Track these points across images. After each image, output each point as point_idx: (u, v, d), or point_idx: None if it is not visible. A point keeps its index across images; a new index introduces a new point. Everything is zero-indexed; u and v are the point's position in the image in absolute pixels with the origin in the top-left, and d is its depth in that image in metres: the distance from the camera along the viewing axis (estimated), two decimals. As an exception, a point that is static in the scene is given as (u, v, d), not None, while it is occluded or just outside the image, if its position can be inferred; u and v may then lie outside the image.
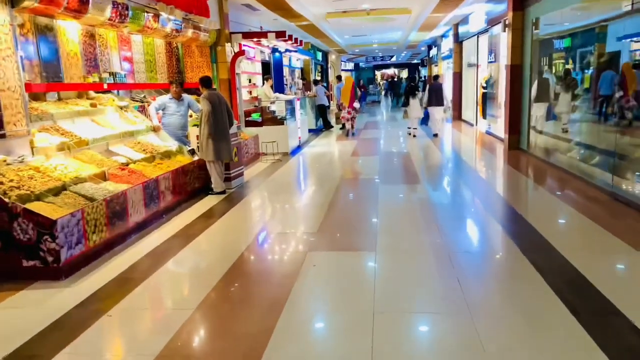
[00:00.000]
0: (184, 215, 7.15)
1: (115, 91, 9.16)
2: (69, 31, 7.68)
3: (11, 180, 5.01)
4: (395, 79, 43.47)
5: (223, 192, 8.38)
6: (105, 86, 8.49)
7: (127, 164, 6.86)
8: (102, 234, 5.42)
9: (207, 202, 7.88)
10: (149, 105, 9.14)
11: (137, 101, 9.46)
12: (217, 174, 8.27)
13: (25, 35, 6.74)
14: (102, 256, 5.38)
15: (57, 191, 5.36)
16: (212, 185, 8.34)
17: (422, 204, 7.33)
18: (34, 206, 4.86)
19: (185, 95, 9.31)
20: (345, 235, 6.05)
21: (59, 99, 7.64)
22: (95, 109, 7.74)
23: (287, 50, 17.58)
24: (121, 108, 8.44)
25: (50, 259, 4.74)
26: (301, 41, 16.95)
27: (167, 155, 8.08)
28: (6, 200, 4.71)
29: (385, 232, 5.98)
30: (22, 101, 5.63)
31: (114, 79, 8.68)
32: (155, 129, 8.66)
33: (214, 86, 12.33)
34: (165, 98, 9.05)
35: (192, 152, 8.63)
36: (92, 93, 8.26)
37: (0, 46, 5.32)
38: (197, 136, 8.57)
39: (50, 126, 6.45)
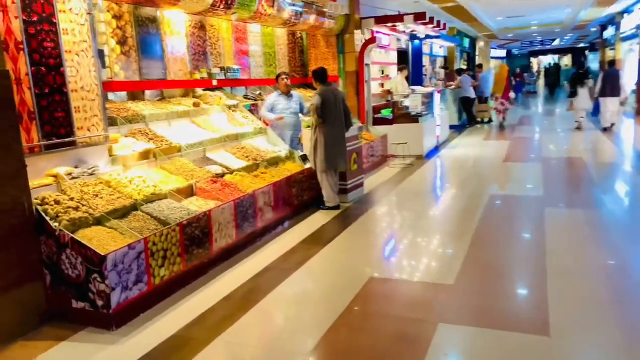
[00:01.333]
0: (285, 237, 5.91)
1: (228, 88, 8.31)
2: (175, 22, 6.89)
3: (71, 199, 4.18)
4: (551, 67, 37.76)
5: (337, 207, 7.00)
6: (214, 82, 7.65)
7: (222, 175, 5.82)
8: (174, 267, 4.37)
9: (316, 220, 6.56)
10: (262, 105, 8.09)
11: (250, 99, 8.51)
12: (330, 185, 6.91)
13: (123, 28, 6.03)
14: (171, 295, 4.33)
15: (126, 211, 4.44)
16: (324, 199, 7.01)
17: (615, 246, 5.09)
18: (87, 234, 3.94)
19: (294, 92, 8.11)
20: (496, 296, 4.11)
21: (162, 98, 6.91)
22: (197, 108, 6.87)
23: (427, 36, 15.60)
24: (230, 107, 7.50)
25: (99, 302, 3.78)
26: (444, 24, 14.82)
27: (275, 162, 6.93)
28: (54, 225, 3.85)
29: (561, 296, 4.00)
30: (100, 102, 4.81)
31: (225, 74, 7.79)
32: (276, 120, 7.60)
33: (334, 79, 11.14)
34: (273, 95, 7.94)
35: (305, 158, 7.38)
36: (199, 91, 7.45)
37: (73, 39, 4.52)
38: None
39: (139, 129, 5.65)
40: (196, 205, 4.99)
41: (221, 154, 6.47)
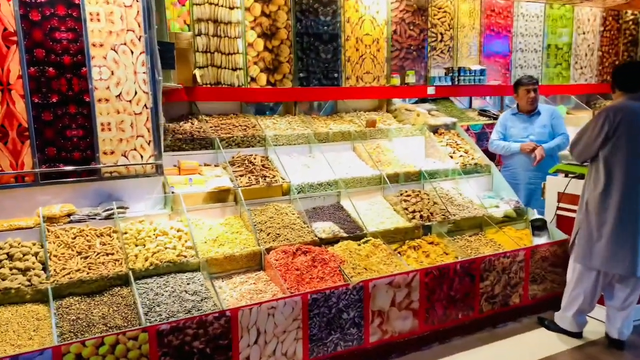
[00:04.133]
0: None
1: (462, 100, 5.69)
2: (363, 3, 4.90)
3: (35, 254, 2.92)
4: None
5: (578, 335, 3.56)
6: (430, 90, 5.26)
7: (332, 241, 3.54)
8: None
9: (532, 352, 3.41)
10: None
11: (488, 117, 5.58)
12: (583, 292, 3.48)
13: (274, 15, 4.50)
14: None
15: (105, 285, 2.89)
16: (557, 313, 3.66)
17: None
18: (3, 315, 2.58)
19: (544, 107, 4.71)
20: None
21: (335, 113, 5.05)
22: (371, 130, 4.67)
23: None
24: (438, 130, 4.96)
25: None
26: None
27: (478, 224, 4.08)
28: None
29: None
30: (151, 117, 3.41)
31: (456, 79, 5.29)
32: (531, 150, 4.61)
33: None
34: (505, 114, 4.82)
35: (540, 228, 4.12)
36: (399, 103, 5.21)
37: (111, 27, 3.24)
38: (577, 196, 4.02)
39: (243, 157, 3.98)
40: (238, 292, 2.99)
41: (372, 202, 4.13)
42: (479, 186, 4.72)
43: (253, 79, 4.49)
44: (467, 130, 5.18)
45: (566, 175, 4.07)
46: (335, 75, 4.88)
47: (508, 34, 5.89)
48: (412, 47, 5.28)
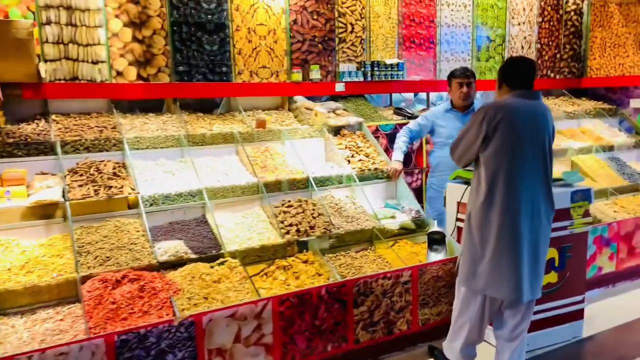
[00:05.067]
0: None
1: (378, 97, 5.20)
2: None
3: None
4: None
5: (464, 369, 3.08)
6: (339, 87, 4.76)
7: (178, 264, 3.01)
8: None
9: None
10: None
11: (404, 115, 5.07)
12: (469, 320, 2.98)
13: (145, 2, 3.96)
14: None
15: None
16: (444, 343, 3.17)
17: None
18: None
19: (480, 105, 4.22)
20: None
21: (228, 112, 4.51)
22: (259, 131, 4.15)
23: None
24: (339, 132, 4.46)
25: None
26: None
27: (368, 237, 3.59)
28: None
29: None
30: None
31: (369, 74, 4.82)
32: (391, 174, 4.19)
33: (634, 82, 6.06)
34: (437, 110, 4.31)
35: (436, 242, 3.62)
36: (301, 101, 4.71)
37: None
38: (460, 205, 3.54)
39: (90, 164, 3.43)
40: (30, 333, 2.45)
41: (247, 214, 3.61)
42: (381, 194, 4.22)
43: (119, 73, 3.94)
44: (377, 131, 4.68)
45: (465, 183, 3.58)
46: (224, 69, 4.34)
47: (431, 25, 5.39)
48: (316, 39, 4.76)
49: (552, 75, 6.42)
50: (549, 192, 2.83)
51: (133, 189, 3.30)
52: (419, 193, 4.91)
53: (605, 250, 4.44)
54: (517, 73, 2.85)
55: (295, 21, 4.64)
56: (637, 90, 6.24)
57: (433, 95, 6.04)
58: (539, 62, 6.28)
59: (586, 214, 3.49)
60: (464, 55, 5.67)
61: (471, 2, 5.63)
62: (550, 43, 6.34)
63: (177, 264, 3.02)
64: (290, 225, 3.50)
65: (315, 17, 4.73)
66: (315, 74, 4.71)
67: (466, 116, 4.08)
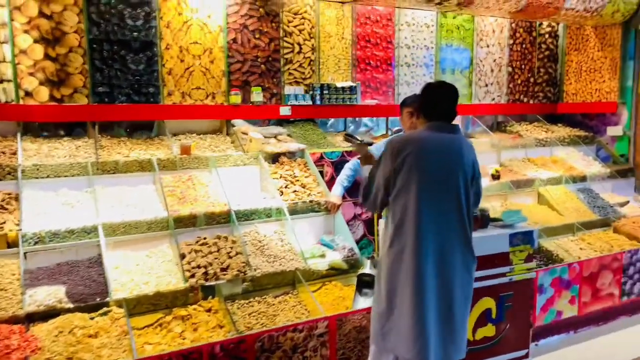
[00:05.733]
0: None
1: (330, 121, 4.87)
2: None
3: None
4: None
5: None
6: (285, 111, 4.44)
7: (53, 314, 2.64)
8: None
9: None
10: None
11: (355, 142, 4.71)
12: None
13: (56, 16, 3.65)
14: None
15: None
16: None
17: None
18: None
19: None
20: None
21: (157, 136, 4.18)
22: (183, 158, 3.80)
23: None
24: (278, 159, 4.11)
25: None
26: None
27: (290, 281, 3.22)
28: None
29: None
30: None
31: (314, 98, 4.51)
32: (329, 208, 3.83)
33: (610, 109, 5.78)
34: (386, 142, 3.94)
35: (367, 285, 3.23)
36: (239, 125, 4.38)
37: None
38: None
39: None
40: None
41: (153, 252, 3.24)
42: (318, 228, 3.85)
43: (29, 94, 3.61)
44: (322, 158, 4.32)
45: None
46: (151, 90, 4.01)
47: (389, 46, 5.06)
48: (259, 59, 4.44)
49: (525, 100, 6.07)
50: (466, 237, 2.46)
51: (17, 225, 2.95)
52: (370, 225, 4.53)
53: (565, 293, 4.03)
54: (433, 103, 2.49)
55: (234, 40, 4.32)
56: (614, 117, 5.87)
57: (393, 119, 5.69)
58: (511, 85, 5.93)
59: (529, 258, 3.10)
60: (426, 78, 5.33)
61: (434, 22, 5.30)
62: (523, 66, 5.99)
63: (51, 314, 2.65)
64: (198, 267, 3.12)
65: (257, 36, 4.41)
66: (257, 96, 4.38)
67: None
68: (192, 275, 3.07)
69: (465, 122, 5.92)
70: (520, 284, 3.08)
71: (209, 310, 2.97)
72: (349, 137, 4.74)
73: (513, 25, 5.83)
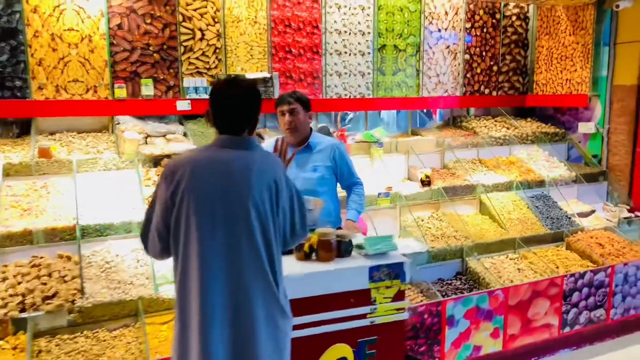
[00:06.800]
0: None
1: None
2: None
3: None
4: None
5: None
6: (182, 106, 3.96)
7: None
8: None
9: None
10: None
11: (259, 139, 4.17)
12: None
13: None
14: None
15: None
16: None
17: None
18: None
19: (324, 140, 3.27)
20: None
21: (26, 134, 3.74)
22: (40, 162, 3.35)
23: None
24: (160, 163, 3.63)
25: None
26: None
27: (137, 311, 2.75)
28: None
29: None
30: None
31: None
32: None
33: (580, 102, 5.00)
34: (270, 144, 3.33)
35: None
36: (125, 122, 3.90)
37: None
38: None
39: None
40: None
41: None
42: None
43: None
44: (217, 161, 3.80)
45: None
46: (18, 83, 3.56)
47: (315, 31, 4.46)
48: (151, 48, 3.92)
49: (487, 91, 5.37)
50: (267, 284, 1.91)
51: None
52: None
53: (486, 325, 3.45)
54: (215, 110, 1.94)
55: (120, 26, 3.81)
56: (587, 111, 5.14)
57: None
58: (469, 75, 5.24)
59: (400, 296, 2.53)
60: (362, 68, 4.71)
61: (372, 4, 4.66)
62: (484, 53, 5.29)
63: None
64: (16, 294, 2.68)
65: (148, 21, 3.89)
66: (147, 89, 3.88)
67: (301, 154, 3.16)
68: (5, 305, 2.63)
69: (414, 117, 5.30)
70: (387, 327, 2.52)
71: (14, 348, 2.54)
72: (257, 136, 4.21)
73: (471, 6, 5.12)
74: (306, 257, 2.51)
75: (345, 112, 5.09)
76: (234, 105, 1.92)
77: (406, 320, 2.58)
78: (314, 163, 3.15)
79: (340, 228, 3.04)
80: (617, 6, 4.56)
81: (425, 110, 6.16)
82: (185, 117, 4.18)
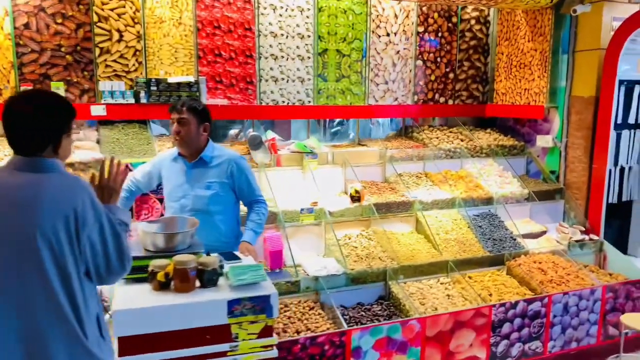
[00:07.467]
0: None
1: (156, 123, 4.11)
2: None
3: None
4: None
5: None
6: (98, 111, 3.78)
7: None
8: None
9: None
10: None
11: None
12: None
13: None
14: None
15: None
16: None
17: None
18: None
19: (223, 152, 3.03)
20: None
21: None
22: None
23: None
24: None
25: None
26: None
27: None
28: None
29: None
30: None
31: (138, 95, 3.79)
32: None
33: (537, 114, 4.80)
34: (166, 155, 3.12)
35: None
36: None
37: None
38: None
39: None
40: None
41: None
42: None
43: None
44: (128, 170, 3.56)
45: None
46: None
47: (248, 33, 4.21)
48: (63, 49, 3.70)
49: (442, 100, 5.08)
50: (70, 332, 1.67)
51: None
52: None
53: (399, 357, 3.17)
54: (6, 128, 1.70)
55: (27, 25, 3.60)
56: (546, 123, 4.82)
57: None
58: (421, 82, 4.95)
59: (266, 332, 2.26)
60: (301, 73, 4.45)
61: (312, 6, 4.40)
62: (439, 59, 4.99)
63: None
64: None
65: (59, 20, 3.67)
66: (59, 92, 3.65)
67: (194, 168, 2.91)
68: None
69: (362, 126, 5.02)
70: (249, 366, 2.26)
71: None
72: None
73: (424, 9, 4.82)
74: (162, 286, 2.25)
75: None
76: (23, 123, 1.68)
77: (275, 357, 2.31)
78: (208, 179, 2.90)
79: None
80: (575, 11, 4.25)
81: (390, 119, 5.90)
82: (101, 123, 3.96)
